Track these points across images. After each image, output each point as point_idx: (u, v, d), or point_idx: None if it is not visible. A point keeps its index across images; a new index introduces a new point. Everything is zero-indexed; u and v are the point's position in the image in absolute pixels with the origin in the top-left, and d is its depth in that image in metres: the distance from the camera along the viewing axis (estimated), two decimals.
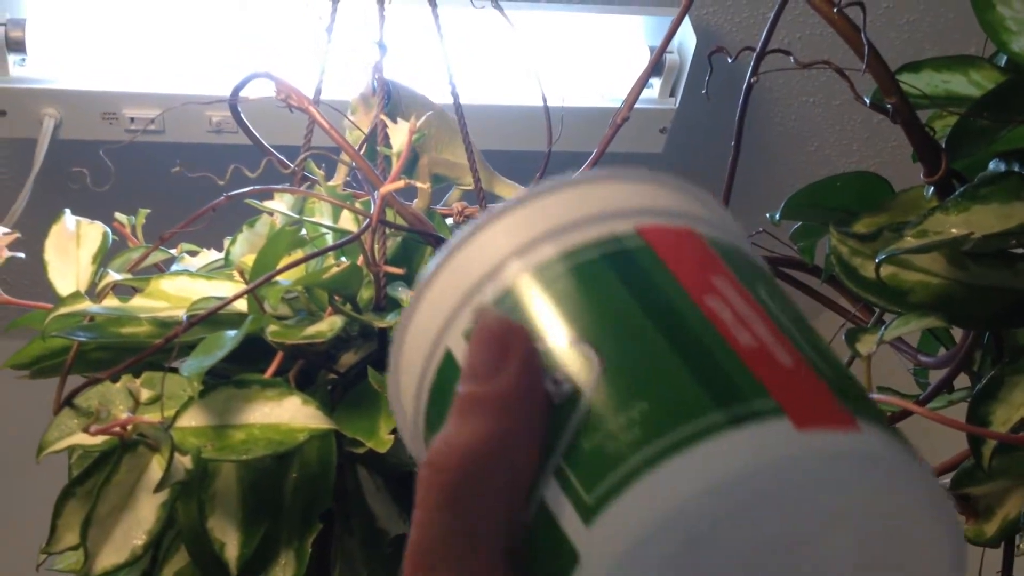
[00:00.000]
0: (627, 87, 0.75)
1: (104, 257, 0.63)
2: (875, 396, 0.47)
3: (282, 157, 0.72)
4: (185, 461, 0.52)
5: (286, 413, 0.54)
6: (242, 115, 0.66)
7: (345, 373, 0.65)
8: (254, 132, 0.70)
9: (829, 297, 0.71)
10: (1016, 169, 0.53)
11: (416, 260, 0.74)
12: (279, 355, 0.62)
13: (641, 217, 0.31)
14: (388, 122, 0.73)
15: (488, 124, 1.21)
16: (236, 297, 0.58)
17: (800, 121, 1.54)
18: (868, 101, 0.57)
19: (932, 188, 0.58)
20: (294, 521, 0.58)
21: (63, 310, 0.59)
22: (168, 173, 0.69)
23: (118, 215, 0.67)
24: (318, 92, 0.76)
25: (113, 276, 0.60)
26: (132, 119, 1.14)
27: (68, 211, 0.65)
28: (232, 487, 0.58)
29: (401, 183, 0.65)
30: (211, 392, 0.55)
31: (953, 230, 0.51)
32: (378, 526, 0.62)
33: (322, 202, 0.66)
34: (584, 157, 0.78)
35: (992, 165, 0.57)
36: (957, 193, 0.52)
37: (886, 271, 0.56)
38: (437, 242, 0.68)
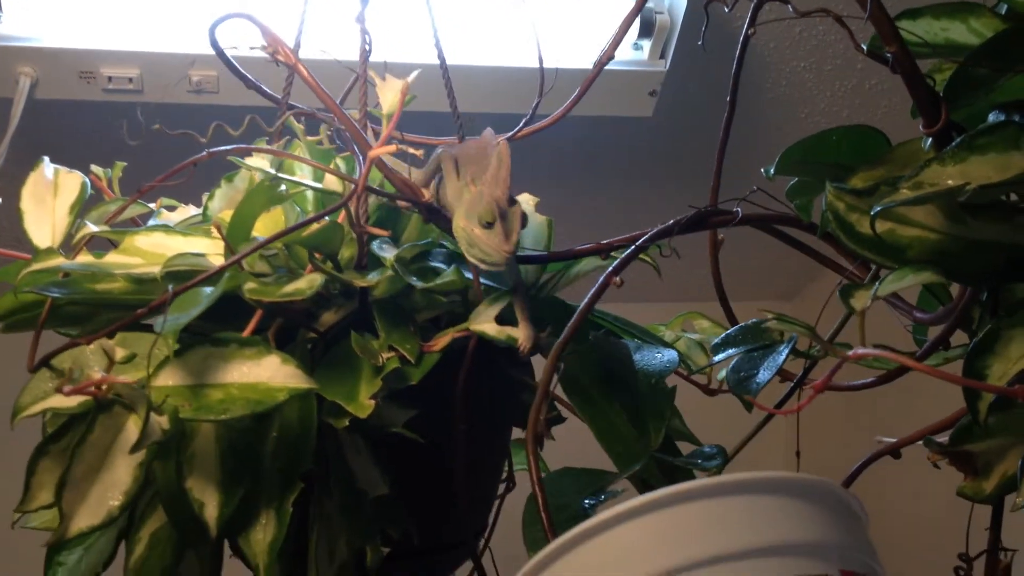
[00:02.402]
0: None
1: (82, 208, 0.61)
2: (870, 351, 0.46)
3: (268, 91, 0.70)
4: (162, 421, 0.50)
5: (265, 372, 0.52)
6: (223, 49, 0.63)
7: (325, 332, 0.63)
8: (236, 66, 0.67)
9: (828, 256, 0.70)
10: (1015, 119, 0.51)
11: (402, 222, 0.72)
12: (258, 313, 0.60)
13: (842, 557, 0.27)
14: (377, 79, 0.70)
15: (466, 86, 1.19)
16: (224, 268, 0.55)
17: (791, 87, 1.52)
18: (866, 48, 0.55)
19: (930, 141, 0.56)
20: (274, 482, 0.57)
21: (37, 266, 0.57)
22: (148, 136, 0.67)
23: (94, 167, 0.65)
24: (298, 45, 0.73)
25: (90, 228, 0.58)
26: (110, 78, 1.11)
27: (47, 159, 0.63)
28: (210, 448, 0.56)
29: (392, 147, 0.63)
30: (187, 351, 0.53)
31: (949, 181, 0.49)
32: (358, 487, 0.60)
33: (300, 152, 0.64)
34: (567, 119, 0.76)
35: (992, 117, 0.55)
36: (954, 144, 0.50)
37: (883, 227, 0.55)
38: (426, 210, 0.66)
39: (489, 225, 0.55)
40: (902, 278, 0.51)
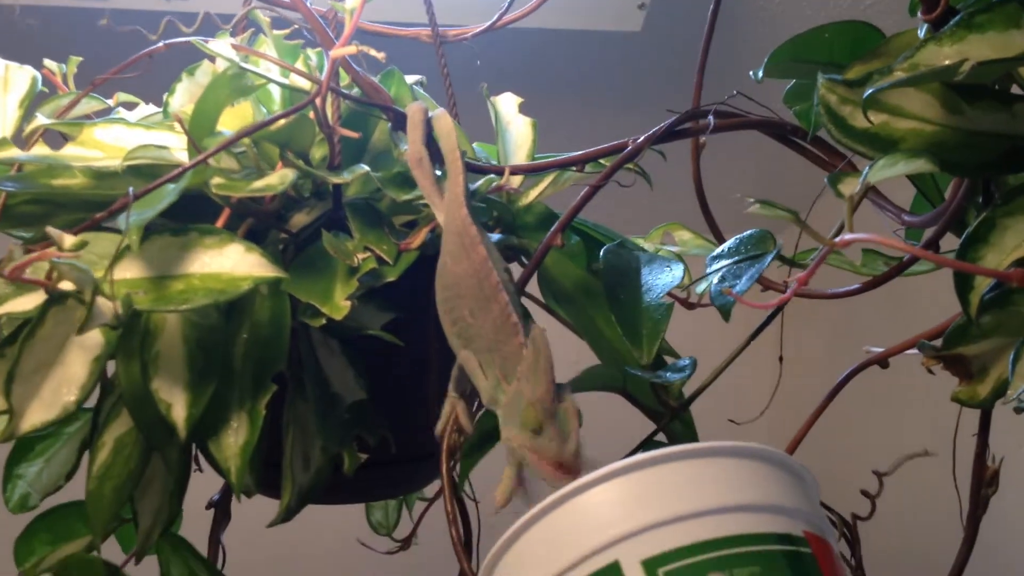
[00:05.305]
0: None
1: (32, 103, 0.58)
2: (859, 236, 0.44)
3: None
4: (115, 305, 0.48)
5: (228, 261, 0.50)
6: None
7: (297, 234, 0.61)
8: None
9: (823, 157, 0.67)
10: None
11: (371, 124, 0.69)
12: (225, 212, 0.58)
13: (804, 519, 0.30)
14: None
15: None
16: (193, 165, 0.52)
17: (784, 3, 1.47)
18: None
19: (927, 28, 0.54)
20: (246, 383, 0.55)
21: None
22: (116, 43, 0.64)
23: (47, 62, 0.62)
24: None
25: (42, 120, 0.55)
26: None
27: None
28: (177, 346, 0.54)
29: (352, 48, 0.60)
30: (144, 241, 0.50)
31: (946, 62, 0.47)
32: (333, 391, 0.58)
33: (268, 48, 0.61)
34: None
35: None
36: (952, 23, 0.48)
37: (877, 119, 0.52)
38: (394, 116, 0.63)
39: (537, 432, 0.44)
40: (894, 164, 0.48)
